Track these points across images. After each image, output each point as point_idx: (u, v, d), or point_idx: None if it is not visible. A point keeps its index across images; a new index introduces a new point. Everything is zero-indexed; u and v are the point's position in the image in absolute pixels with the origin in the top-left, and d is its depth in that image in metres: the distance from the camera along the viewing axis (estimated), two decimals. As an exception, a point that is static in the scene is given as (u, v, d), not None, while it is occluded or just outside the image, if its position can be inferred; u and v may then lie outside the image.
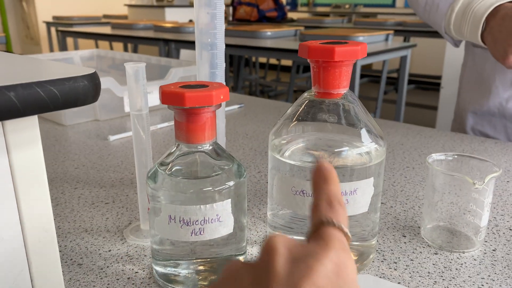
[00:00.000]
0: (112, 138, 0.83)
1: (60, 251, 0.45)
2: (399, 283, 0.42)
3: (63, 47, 3.75)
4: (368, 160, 0.40)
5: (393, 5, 5.50)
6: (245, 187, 0.40)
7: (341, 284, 0.21)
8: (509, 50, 0.69)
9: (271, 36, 2.65)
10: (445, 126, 2.57)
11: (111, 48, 4.33)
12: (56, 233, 0.36)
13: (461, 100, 0.98)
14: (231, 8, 4.61)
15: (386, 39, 2.44)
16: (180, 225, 0.37)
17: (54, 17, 4.88)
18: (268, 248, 0.22)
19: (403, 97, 2.52)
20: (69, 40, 4.05)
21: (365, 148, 0.41)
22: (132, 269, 0.44)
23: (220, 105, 0.37)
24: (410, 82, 3.83)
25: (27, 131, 0.29)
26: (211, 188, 0.37)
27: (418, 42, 2.94)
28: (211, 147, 0.38)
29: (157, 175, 0.38)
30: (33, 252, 0.31)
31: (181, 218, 0.36)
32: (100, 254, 0.47)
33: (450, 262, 0.45)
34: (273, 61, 5.12)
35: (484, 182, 0.43)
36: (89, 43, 4.38)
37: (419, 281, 0.42)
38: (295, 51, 2.11)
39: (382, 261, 0.45)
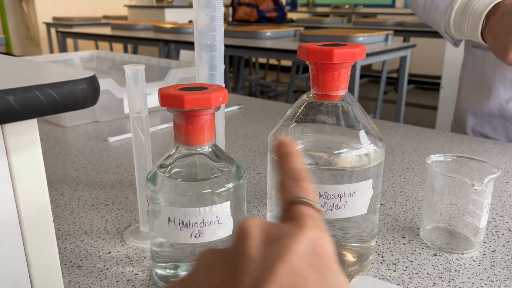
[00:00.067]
0: (112, 139, 0.83)
1: (59, 253, 0.45)
2: (398, 284, 0.42)
3: (63, 48, 3.75)
4: (367, 162, 0.40)
5: (392, 5, 5.50)
6: (244, 189, 0.40)
7: (317, 262, 0.20)
8: (509, 46, 0.69)
9: (271, 36, 2.66)
10: (445, 125, 2.57)
11: (111, 49, 4.33)
12: (56, 235, 0.36)
13: (461, 101, 0.98)
14: (230, 9, 4.62)
15: (386, 39, 2.44)
16: (179, 227, 0.37)
17: (54, 18, 4.88)
18: (240, 232, 0.22)
19: (403, 97, 2.52)
20: (69, 41, 4.06)
21: (364, 149, 0.41)
22: (132, 271, 0.44)
23: (219, 107, 0.37)
24: (410, 82, 3.84)
25: (26, 135, 0.29)
26: (210, 190, 0.37)
27: (418, 42, 2.94)
28: (210, 149, 0.38)
29: (156, 177, 0.38)
30: (33, 254, 0.32)
31: (181, 220, 0.36)
32: (99, 256, 0.47)
33: (449, 263, 0.45)
34: (273, 61, 5.12)
35: (483, 183, 0.43)
36: (89, 44, 4.39)
37: (418, 282, 0.42)
38: (295, 51, 2.11)
39: (381, 263, 0.45)
